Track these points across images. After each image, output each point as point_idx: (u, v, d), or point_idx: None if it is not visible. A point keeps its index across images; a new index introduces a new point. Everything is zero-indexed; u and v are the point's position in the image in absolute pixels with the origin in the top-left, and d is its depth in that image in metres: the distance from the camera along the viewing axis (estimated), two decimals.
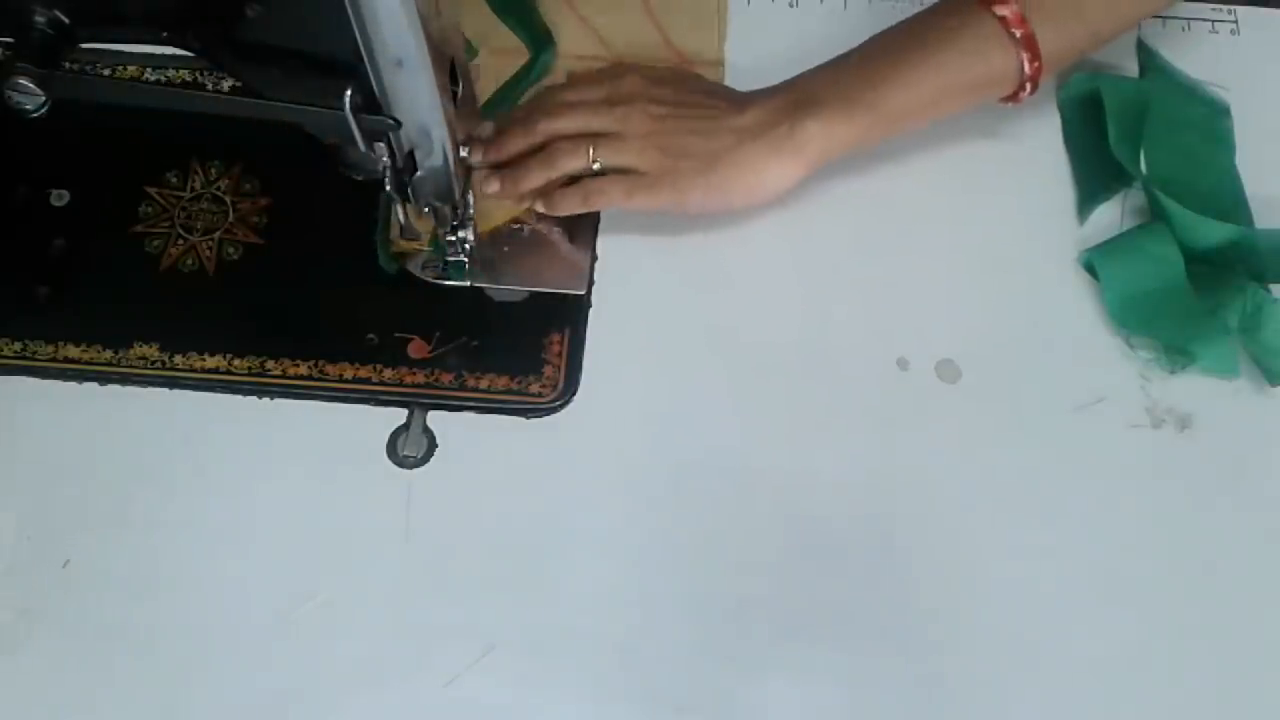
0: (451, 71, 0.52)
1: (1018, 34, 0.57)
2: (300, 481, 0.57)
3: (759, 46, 0.68)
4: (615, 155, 0.59)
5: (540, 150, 0.59)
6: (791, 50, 0.62)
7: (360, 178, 0.54)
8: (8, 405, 0.58)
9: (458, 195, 0.56)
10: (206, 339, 0.60)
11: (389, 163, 0.52)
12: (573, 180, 0.60)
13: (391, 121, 0.49)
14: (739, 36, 0.69)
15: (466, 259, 0.60)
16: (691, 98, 0.60)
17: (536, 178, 0.59)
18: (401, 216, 0.56)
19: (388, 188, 0.53)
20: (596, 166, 0.58)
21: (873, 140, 0.59)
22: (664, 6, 0.69)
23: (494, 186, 0.60)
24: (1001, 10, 0.57)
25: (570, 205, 0.60)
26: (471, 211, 0.58)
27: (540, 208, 0.60)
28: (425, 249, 0.61)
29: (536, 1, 0.68)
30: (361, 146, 0.50)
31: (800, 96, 0.59)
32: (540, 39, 0.67)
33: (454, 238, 0.58)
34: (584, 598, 0.55)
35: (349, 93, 0.47)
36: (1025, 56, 0.57)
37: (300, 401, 0.59)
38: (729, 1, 0.70)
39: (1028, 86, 0.59)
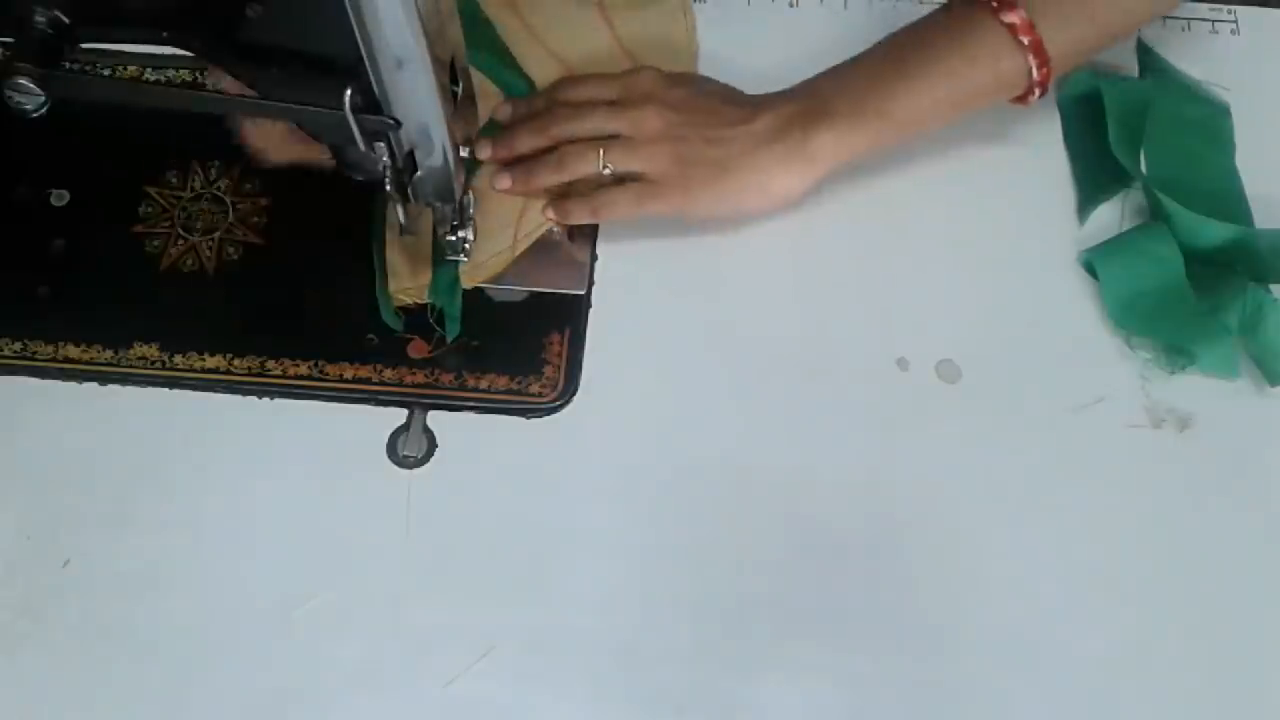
0: (451, 71, 0.52)
1: (1025, 40, 0.57)
2: (300, 481, 0.57)
3: (755, 45, 0.68)
4: (626, 161, 0.59)
5: (552, 150, 0.59)
6: (792, 51, 0.62)
7: (360, 178, 0.54)
8: (8, 405, 0.58)
9: (458, 195, 0.56)
10: (206, 339, 0.60)
11: (389, 163, 0.51)
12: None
13: (391, 121, 0.49)
14: (720, 37, 0.68)
15: (466, 259, 0.59)
16: (704, 102, 0.60)
17: (547, 179, 0.60)
18: (401, 216, 0.56)
19: (388, 188, 0.52)
20: (607, 172, 0.59)
21: (882, 146, 0.60)
22: (628, 31, 0.68)
23: (505, 183, 0.60)
24: (1009, 18, 0.57)
25: (579, 216, 0.60)
26: (471, 212, 0.57)
27: (550, 213, 0.60)
28: (425, 300, 0.60)
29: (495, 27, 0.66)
30: (361, 146, 0.50)
31: (811, 104, 0.59)
32: (519, 88, 0.65)
33: (454, 238, 0.58)
34: (584, 598, 0.55)
35: (349, 93, 0.47)
36: (1034, 62, 0.58)
37: (300, 401, 0.59)
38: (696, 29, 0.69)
39: (1036, 90, 0.59)
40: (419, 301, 0.60)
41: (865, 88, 0.59)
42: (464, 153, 0.55)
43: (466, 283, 0.60)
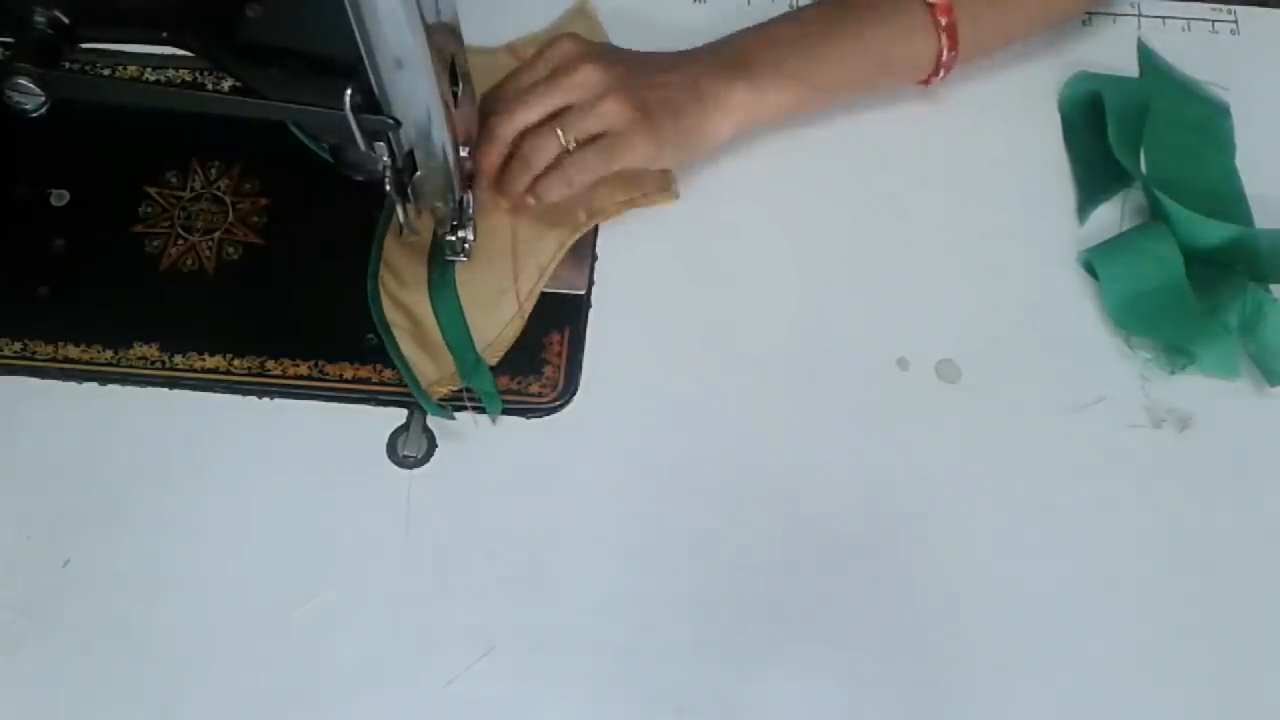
0: (452, 71, 0.52)
1: (943, 22, 0.60)
2: (300, 481, 0.57)
3: None
4: (584, 123, 0.58)
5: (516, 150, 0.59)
6: None
7: (360, 178, 0.54)
8: (8, 405, 0.58)
9: (458, 195, 0.56)
10: (206, 339, 0.60)
11: (389, 163, 0.51)
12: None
13: (391, 121, 0.49)
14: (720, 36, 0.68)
15: (466, 259, 0.59)
16: (631, 55, 0.61)
17: (521, 179, 0.59)
18: (401, 216, 0.56)
19: (388, 188, 0.52)
20: (572, 145, 0.58)
21: (797, 110, 0.61)
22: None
23: (504, 204, 0.60)
24: None
25: (555, 190, 0.59)
26: (471, 212, 0.57)
27: (530, 200, 0.59)
28: (459, 387, 0.59)
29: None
30: (362, 146, 0.50)
31: (731, 58, 0.60)
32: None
33: (454, 238, 0.58)
34: (584, 598, 0.55)
35: (349, 93, 0.47)
36: (946, 44, 0.61)
37: (300, 401, 0.59)
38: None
39: (941, 73, 0.62)
40: (453, 389, 0.59)
41: (787, 50, 0.60)
42: (464, 153, 0.55)
43: (490, 359, 0.59)
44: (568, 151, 0.58)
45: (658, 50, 0.62)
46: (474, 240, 0.58)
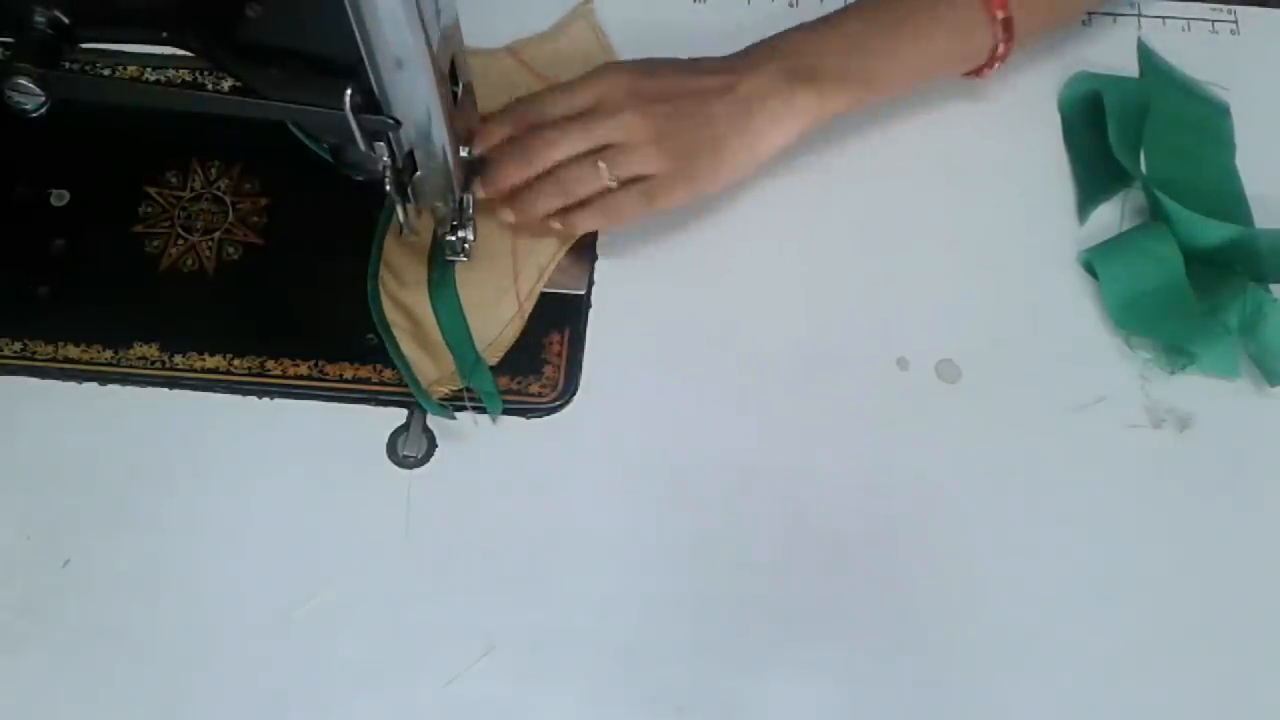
0: (452, 71, 0.52)
1: (999, 15, 0.60)
2: (300, 481, 0.57)
3: None
4: (627, 166, 0.58)
5: (548, 174, 0.58)
6: None
7: (360, 178, 0.54)
8: (8, 405, 0.58)
9: (458, 195, 0.56)
10: (206, 339, 0.60)
11: (389, 163, 0.51)
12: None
13: (391, 121, 0.49)
14: (721, 36, 0.68)
15: (466, 259, 0.59)
16: (680, 84, 0.59)
17: (550, 204, 0.58)
18: (401, 216, 0.56)
19: (388, 188, 0.52)
20: (613, 184, 0.58)
21: (847, 111, 0.61)
22: (544, 64, 0.67)
23: (509, 217, 0.59)
24: None
25: (591, 224, 0.59)
26: (471, 212, 0.57)
27: (556, 225, 0.59)
28: (460, 387, 0.59)
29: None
30: (362, 146, 0.50)
31: (795, 64, 0.59)
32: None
33: (454, 238, 0.58)
34: (584, 597, 0.55)
35: (349, 93, 0.47)
36: (1002, 36, 0.60)
37: (300, 401, 0.59)
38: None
39: (995, 64, 0.62)
40: (454, 389, 0.59)
41: (847, 49, 0.60)
42: (464, 153, 0.55)
43: (490, 359, 0.59)
44: (607, 185, 0.58)
45: (663, 54, 0.61)
46: (474, 240, 0.58)
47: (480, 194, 0.58)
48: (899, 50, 0.60)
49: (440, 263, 0.60)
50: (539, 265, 0.61)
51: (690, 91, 0.59)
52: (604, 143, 0.58)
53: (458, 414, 0.58)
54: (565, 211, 0.59)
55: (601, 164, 0.57)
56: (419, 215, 0.57)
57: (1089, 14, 0.70)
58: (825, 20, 0.61)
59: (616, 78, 0.59)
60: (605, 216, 0.59)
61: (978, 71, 0.63)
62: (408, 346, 0.59)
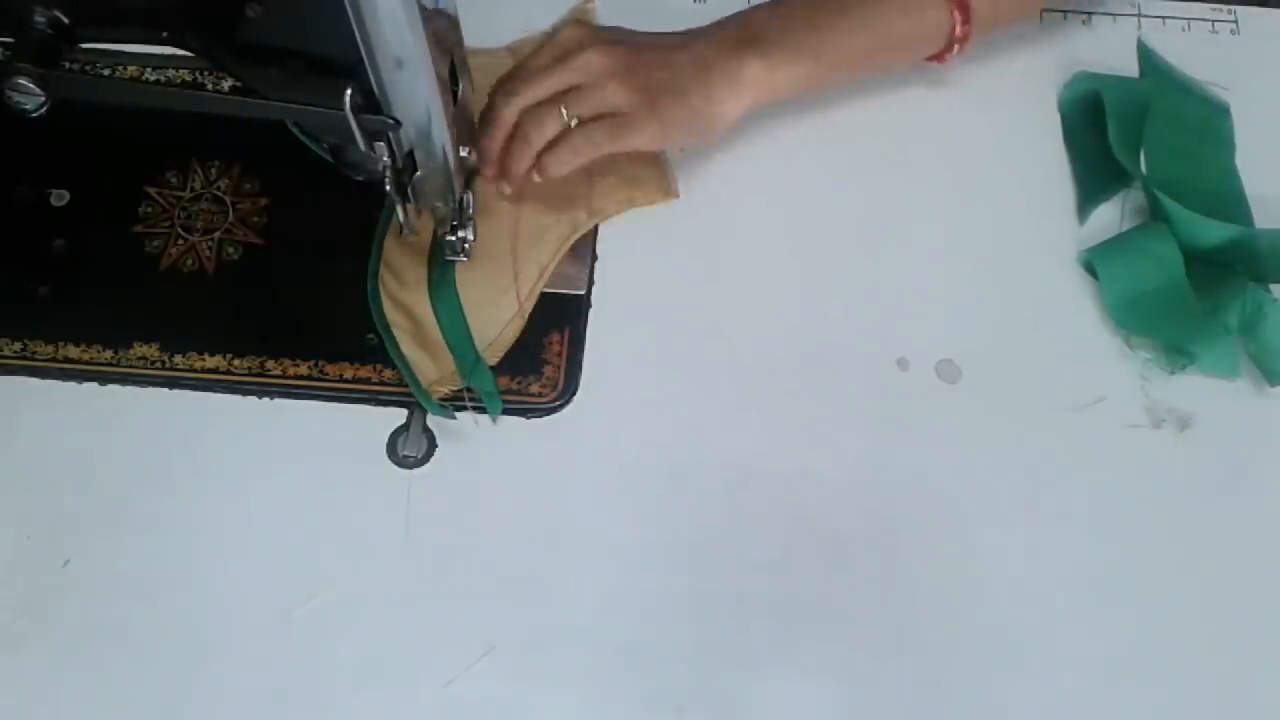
0: (451, 71, 0.52)
1: None
2: (300, 481, 0.57)
3: None
4: (587, 103, 0.57)
5: (517, 129, 0.58)
6: None
7: (360, 178, 0.54)
8: (8, 405, 0.58)
9: (458, 195, 0.56)
10: (206, 339, 0.60)
11: (389, 163, 0.51)
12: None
13: (391, 121, 0.49)
14: None
15: (466, 259, 0.59)
16: (639, 37, 0.60)
17: (523, 158, 0.58)
18: (401, 216, 0.56)
19: (388, 188, 0.52)
20: (574, 123, 0.57)
21: (808, 87, 0.61)
22: None
23: (506, 189, 0.59)
24: None
25: (560, 163, 0.58)
26: (470, 212, 0.57)
27: (536, 178, 0.58)
28: (460, 387, 0.59)
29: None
30: (362, 146, 0.50)
31: (746, 34, 0.60)
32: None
33: (454, 238, 0.58)
34: (584, 597, 0.55)
35: (349, 93, 0.47)
36: (958, 18, 0.61)
37: (300, 401, 0.59)
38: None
39: (955, 47, 0.62)
40: (454, 389, 0.59)
41: (800, 25, 0.60)
42: (464, 153, 0.55)
43: (490, 359, 0.59)
44: (569, 129, 0.57)
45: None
46: (474, 240, 0.58)
47: (485, 175, 0.58)
48: (848, 27, 0.60)
49: (440, 263, 0.60)
50: (539, 265, 0.61)
51: (648, 44, 0.60)
52: (567, 85, 0.58)
53: (458, 414, 0.58)
54: (539, 160, 0.58)
55: (561, 108, 0.57)
56: (419, 215, 0.57)
57: (1089, 14, 0.70)
58: None
59: (578, 29, 0.60)
60: (574, 152, 0.57)
61: (938, 57, 0.63)
62: (408, 346, 0.59)
